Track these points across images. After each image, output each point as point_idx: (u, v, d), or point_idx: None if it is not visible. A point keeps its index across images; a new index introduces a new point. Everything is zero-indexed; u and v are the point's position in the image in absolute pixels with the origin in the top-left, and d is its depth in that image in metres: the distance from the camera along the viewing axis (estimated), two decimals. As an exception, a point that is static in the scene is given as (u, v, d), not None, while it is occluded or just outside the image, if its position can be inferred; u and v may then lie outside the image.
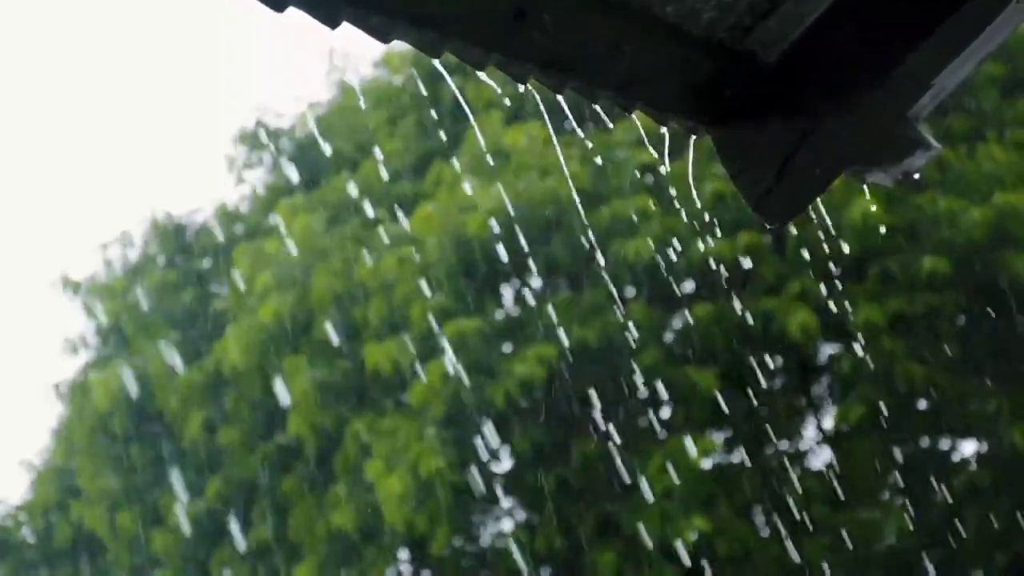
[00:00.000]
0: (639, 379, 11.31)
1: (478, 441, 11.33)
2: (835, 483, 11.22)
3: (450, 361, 11.04)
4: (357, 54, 15.35)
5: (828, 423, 12.13)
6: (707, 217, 11.10)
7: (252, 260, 13.28)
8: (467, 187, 11.66)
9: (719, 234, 11.07)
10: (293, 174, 14.76)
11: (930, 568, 11.92)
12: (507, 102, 12.09)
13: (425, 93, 13.74)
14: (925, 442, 11.90)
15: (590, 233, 11.32)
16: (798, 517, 11.23)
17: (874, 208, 10.86)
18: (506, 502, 12.48)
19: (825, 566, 11.02)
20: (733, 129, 2.10)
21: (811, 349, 11.77)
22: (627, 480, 11.20)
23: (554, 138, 12.03)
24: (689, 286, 11.83)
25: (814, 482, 11.31)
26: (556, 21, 1.78)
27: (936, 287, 11.07)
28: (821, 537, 11.04)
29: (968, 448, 12.04)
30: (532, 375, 10.89)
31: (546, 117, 11.54)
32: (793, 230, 10.40)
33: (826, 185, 2.14)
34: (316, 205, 13.40)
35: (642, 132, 2.24)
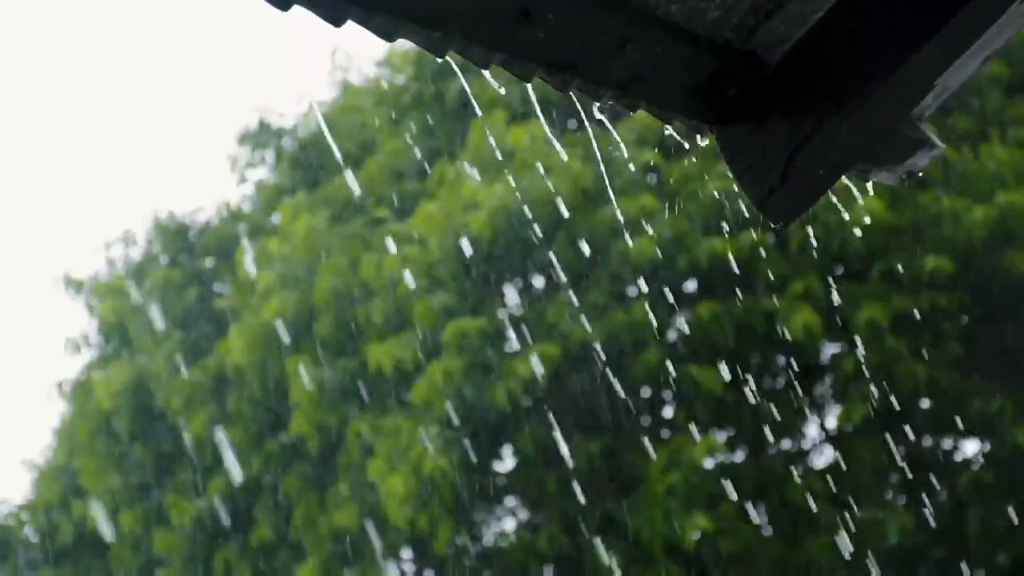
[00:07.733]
0: (642, 378, 11.31)
1: (481, 440, 11.32)
2: (837, 482, 11.22)
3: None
4: (360, 53, 15.36)
5: (831, 422, 12.13)
6: (710, 216, 11.09)
7: (255, 259, 13.28)
8: (469, 185, 11.64)
9: (722, 233, 11.06)
10: (296, 173, 14.76)
11: (933, 568, 11.92)
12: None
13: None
14: (928, 441, 11.89)
15: (593, 232, 11.30)
16: (800, 516, 11.23)
17: (877, 207, 10.85)
18: (509, 501, 12.48)
19: (827, 565, 11.02)
20: (737, 128, 2.10)
21: (814, 348, 11.75)
22: (630, 479, 11.20)
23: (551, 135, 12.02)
24: (692, 285, 11.82)
25: (816, 481, 11.30)
26: (560, 20, 1.78)
27: (939, 286, 11.06)
28: (823, 536, 11.03)
29: (971, 448, 12.03)
30: (535, 374, 10.88)
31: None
32: (799, 229, 10.40)
33: (830, 184, 2.13)
34: (319, 204, 13.40)
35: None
